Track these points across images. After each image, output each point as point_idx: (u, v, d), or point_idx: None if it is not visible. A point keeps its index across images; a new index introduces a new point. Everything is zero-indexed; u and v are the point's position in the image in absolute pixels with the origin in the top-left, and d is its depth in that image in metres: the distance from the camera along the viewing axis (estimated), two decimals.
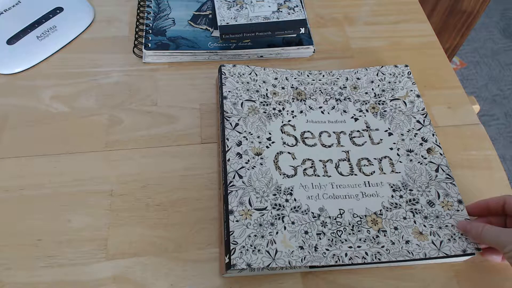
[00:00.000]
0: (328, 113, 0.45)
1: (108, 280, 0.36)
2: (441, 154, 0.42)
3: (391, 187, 0.40)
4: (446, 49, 1.15)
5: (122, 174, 0.42)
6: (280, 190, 0.39)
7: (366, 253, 0.36)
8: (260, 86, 0.46)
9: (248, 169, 0.39)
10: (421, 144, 0.43)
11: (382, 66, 0.49)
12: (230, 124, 0.42)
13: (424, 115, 0.45)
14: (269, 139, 0.42)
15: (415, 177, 0.41)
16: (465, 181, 0.44)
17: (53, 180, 0.41)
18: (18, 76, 0.49)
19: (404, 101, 0.46)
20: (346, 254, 0.35)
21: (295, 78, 0.48)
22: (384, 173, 0.41)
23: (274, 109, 0.45)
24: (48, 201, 0.40)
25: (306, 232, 0.36)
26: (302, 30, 0.52)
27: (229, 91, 0.45)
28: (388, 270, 0.38)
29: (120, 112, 0.47)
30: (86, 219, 0.39)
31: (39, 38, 0.51)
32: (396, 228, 0.37)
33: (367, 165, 0.41)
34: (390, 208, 0.39)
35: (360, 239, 0.36)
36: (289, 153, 0.41)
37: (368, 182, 0.40)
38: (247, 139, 0.41)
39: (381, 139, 0.44)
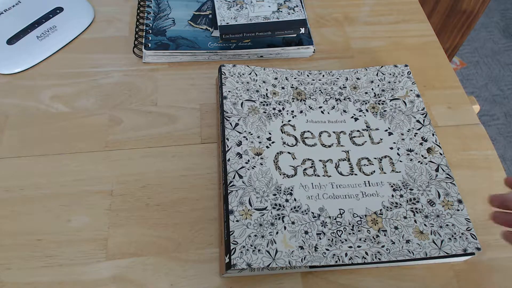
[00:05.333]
0: (328, 113, 0.45)
1: (108, 280, 0.36)
2: (441, 154, 0.42)
3: (391, 186, 0.40)
4: (446, 49, 1.15)
5: (122, 174, 0.42)
6: (280, 190, 0.39)
7: (366, 253, 0.36)
8: (260, 86, 0.46)
9: (248, 169, 0.39)
10: (421, 143, 0.43)
11: (381, 66, 0.49)
12: (230, 124, 0.42)
13: (424, 115, 0.45)
14: (269, 139, 0.42)
15: (415, 177, 0.41)
16: (465, 181, 0.44)
17: (53, 180, 0.41)
18: (18, 76, 0.49)
19: (404, 101, 0.46)
20: (346, 254, 0.35)
21: (295, 78, 0.48)
22: (384, 173, 0.41)
23: (274, 109, 0.44)
24: (48, 201, 0.40)
25: (306, 232, 0.36)
26: (302, 30, 0.52)
27: (229, 91, 0.45)
28: (389, 270, 0.38)
29: (120, 112, 0.47)
30: (86, 219, 0.39)
31: (39, 38, 0.51)
32: (396, 228, 0.37)
33: (367, 165, 0.41)
34: (390, 208, 0.38)
35: (360, 239, 0.36)
36: (289, 153, 0.41)
37: (368, 181, 0.40)
38: (247, 139, 0.41)
39: (381, 139, 0.44)
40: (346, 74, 0.49)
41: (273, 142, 0.42)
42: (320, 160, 0.41)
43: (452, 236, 0.37)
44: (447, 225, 0.38)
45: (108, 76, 0.50)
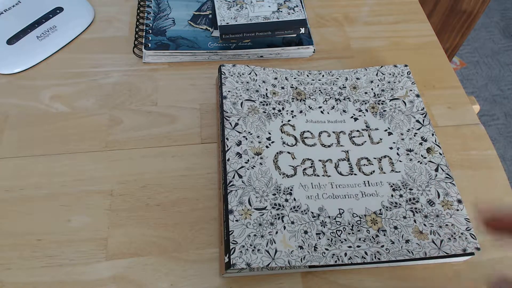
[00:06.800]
0: (328, 113, 0.45)
1: (108, 280, 0.36)
2: (440, 154, 0.42)
3: (391, 186, 0.40)
4: (446, 49, 1.15)
5: (122, 174, 0.42)
6: (279, 190, 0.39)
7: (366, 253, 0.36)
8: (260, 86, 0.46)
9: (247, 169, 0.39)
10: (420, 143, 0.43)
11: (381, 66, 0.49)
12: (230, 124, 0.42)
13: (424, 115, 0.45)
14: (268, 138, 0.42)
15: (415, 176, 0.41)
16: (465, 181, 0.44)
17: (53, 180, 0.41)
18: (18, 76, 0.49)
19: (403, 101, 0.46)
20: (345, 254, 0.35)
21: (294, 78, 0.48)
22: (384, 173, 0.41)
23: (273, 108, 0.45)
24: (48, 201, 0.40)
25: (305, 232, 0.36)
26: (302, 30, 0.52)
27: (229, 91, 0.45)
28: (388, 270, 0.38)
29: (120, 112, 0.47)
30: (86, 219, 0.39)
31: (39, 38, 0.51)
32: (396, 228, 0.37)
33: (366, 165, 0.41)
34: (390, 208, 0.39)
35: (359, 239, 0.36)
36: (288, 152, 0.41)
37: (368, 181, 0.40)
38: (246, 138, 0.41)
39: (380, 139, 0.44)
40: (346, 74, 0.49)
41: (272, 142, 0.42)
42: (320, 160, 0.41)
43: (452, 236, 0.37)
44: (447, 225, 0.38)
45: (108, 76, 0.50)
